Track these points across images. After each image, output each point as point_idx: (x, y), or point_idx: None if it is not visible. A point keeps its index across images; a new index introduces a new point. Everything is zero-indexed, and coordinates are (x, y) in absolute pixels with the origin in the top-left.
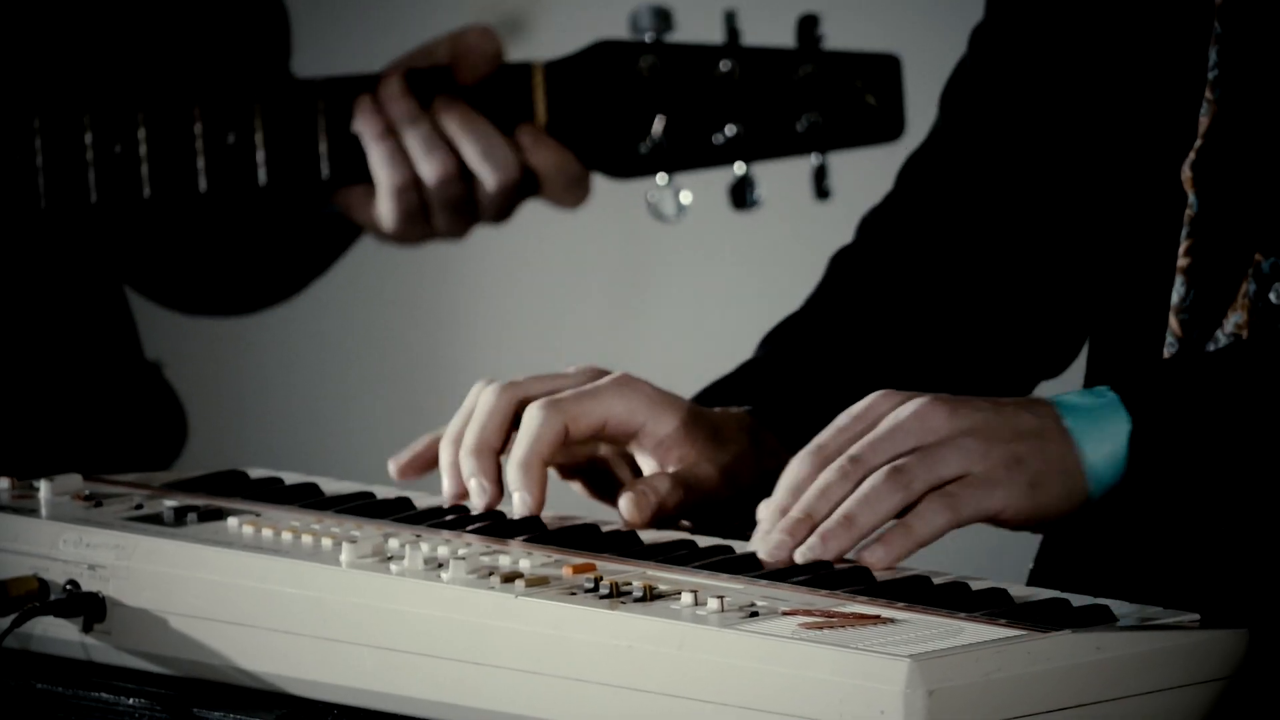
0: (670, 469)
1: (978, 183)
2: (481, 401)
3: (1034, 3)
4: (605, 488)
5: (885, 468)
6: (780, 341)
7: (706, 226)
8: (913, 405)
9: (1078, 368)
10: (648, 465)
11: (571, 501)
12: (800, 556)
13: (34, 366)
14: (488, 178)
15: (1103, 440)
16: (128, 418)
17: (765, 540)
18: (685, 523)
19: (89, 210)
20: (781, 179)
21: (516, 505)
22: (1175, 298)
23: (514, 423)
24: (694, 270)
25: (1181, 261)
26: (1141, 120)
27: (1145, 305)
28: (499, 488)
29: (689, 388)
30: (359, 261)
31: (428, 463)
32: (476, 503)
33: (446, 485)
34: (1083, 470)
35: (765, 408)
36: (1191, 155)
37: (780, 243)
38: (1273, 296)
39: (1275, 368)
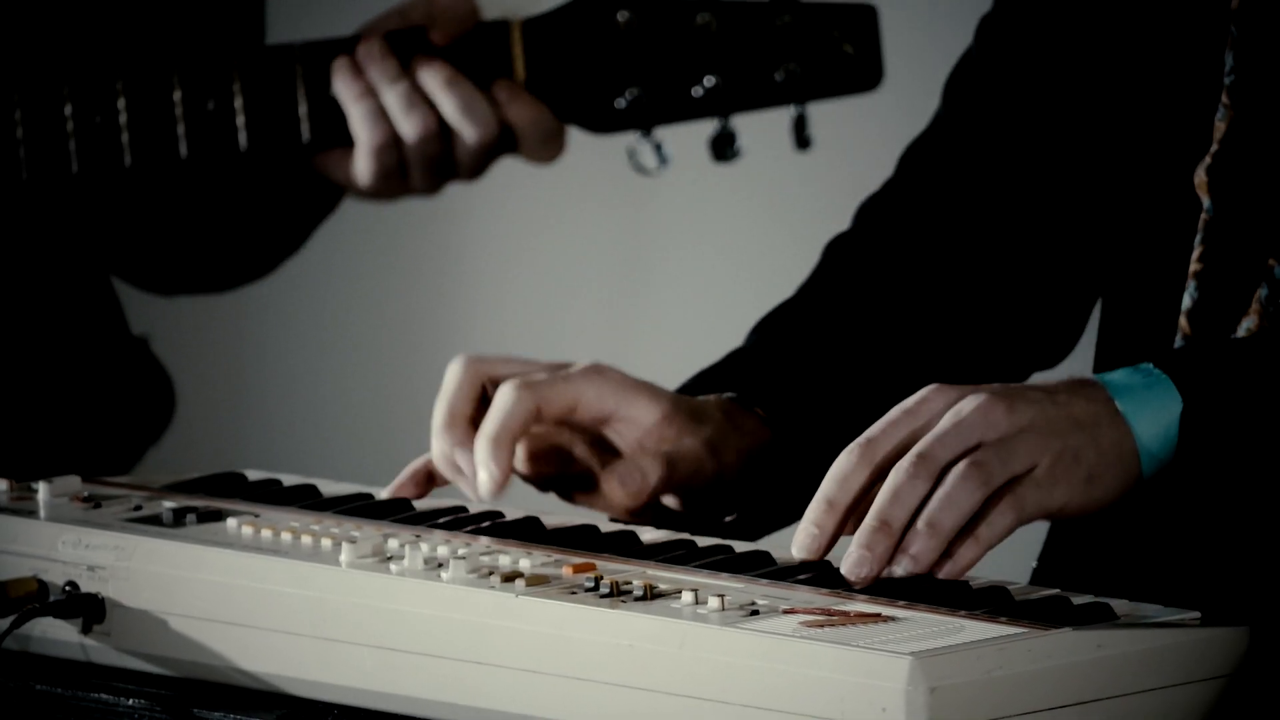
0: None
1: (978, 176)
2: (448, 377)
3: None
4: (582, 490)
5: (962, 464)
6: (770, 330)
7: (705, 210)
8: (973, 401)
9: (1074, 363)
10: (627, 450)
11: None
12: (850, 571)
13: (19, 345)
14: (467, 134)
15: (1154, 419)
16: (116, 392)
17: (845, 559)
18: (671, 501)
19: (70, 180)
20: (772, 132)
21: (481, 481)
22: (1187, 301)
23: (482, 399)
24: (693, 258)
25: (1194, 266)
26: (1154, 123)
27: (1156, 308)
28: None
29: (689, 374)
30: (354, 246)
31: (417, 485)
32: (481, 477)
33: (439, 463)
34: (1137, 453)
35: (749, 392)
36: (1207, 160)
37: (783, 226)
38: None
39: None
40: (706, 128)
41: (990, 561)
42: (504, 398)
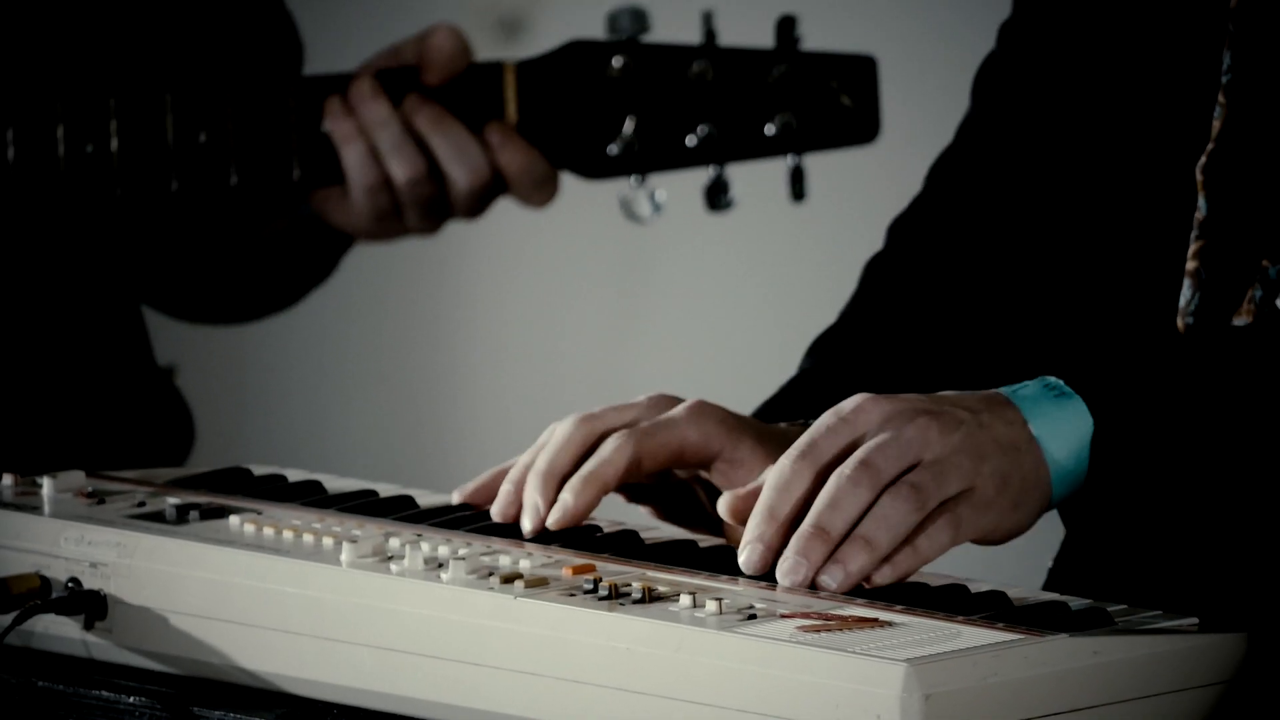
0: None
1: (1007, 180)
2: (559, 432)
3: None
4: (676, 511)
5: (900, 485)
6: (831, 353)
7: (703, 230)
8: (909, 416)
9: None
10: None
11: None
12: (825, 584)
13: (47, 371)
14: (458, 177)
15: (1066, 440)
16: (137, 424)
17: (780, 563)
18: None
19: (61, 207)
20: (769, 180)
21: (554, 509)
22: (1182, 300)
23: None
24: (692, 273)
25: (1190, 265)
26: (1156, 120)
27: (1154, 307)
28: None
29: (688, 389)
30: (362, 265)
31: (494, 493)
32: (526, 523)
33: (495, 509)
34: (1049, 479)
35: None
36: (1203, 158)
37: (779, 244)
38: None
39: (1238, 365)
40: (702, 173)
41: (1003, 560)
42: (606, 446)
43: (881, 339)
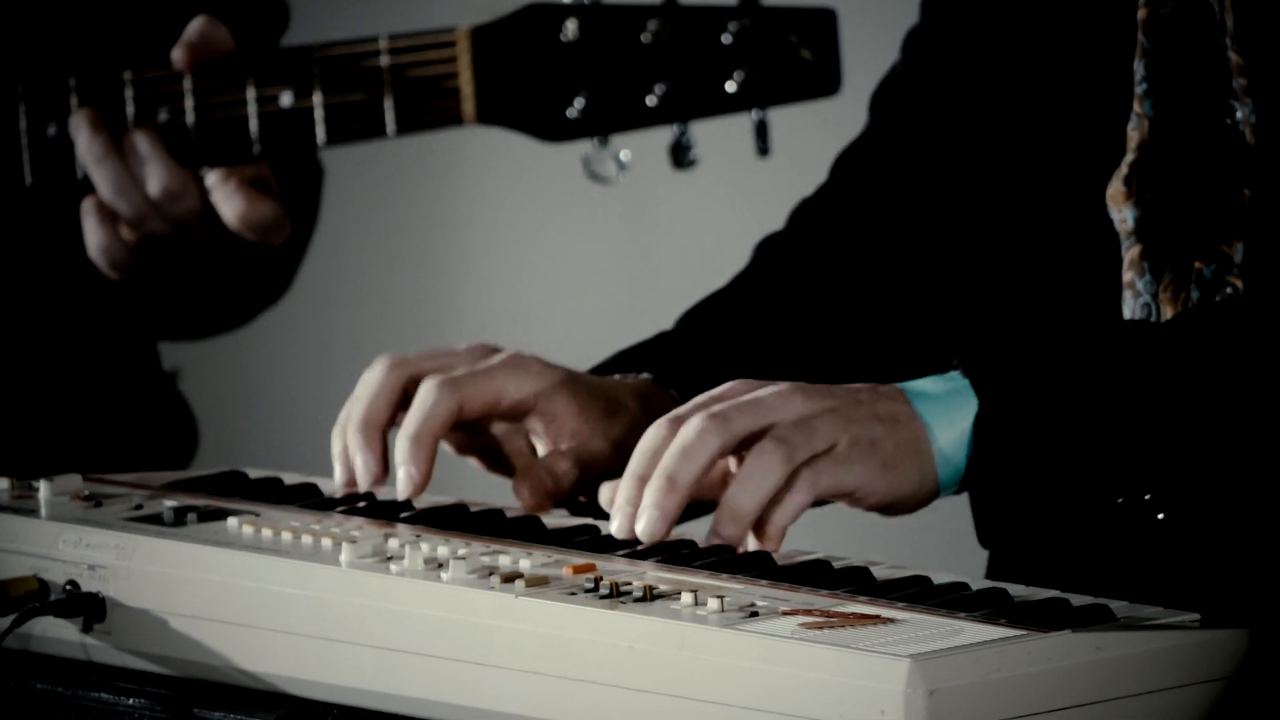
0: (563, 445)
1: (903, 189)
2: (369, 378)
3: (967, 14)
4: (500, 462)
5: (765, 440)
6: (697, 317)
7: (709, 220)
8: (773, 387)
9: None
10: (541, 442)
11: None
12: (642, 532)
13: (54, 372)
14: (170, 208)
15: (952, 424)
16: (141, 426)
17: (640, 515)
18: (582, 497)
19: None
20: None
21: (401, 480)
22: (1127, 311)
23: (403, 401)
24: (696, 268)
25: (1126, 275)
26: (1067, 134)
27: (1097, 315)
28: (384, 465)
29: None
30: (362, 267)
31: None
32: (362, 480)
33: (337, 473)
34: (932, 453)
35: (666, 374)
36: (1124, 170)
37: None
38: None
39: (1128, 352)
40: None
41: (942, 548)
42: (426, 397)
43: (758, 314)
